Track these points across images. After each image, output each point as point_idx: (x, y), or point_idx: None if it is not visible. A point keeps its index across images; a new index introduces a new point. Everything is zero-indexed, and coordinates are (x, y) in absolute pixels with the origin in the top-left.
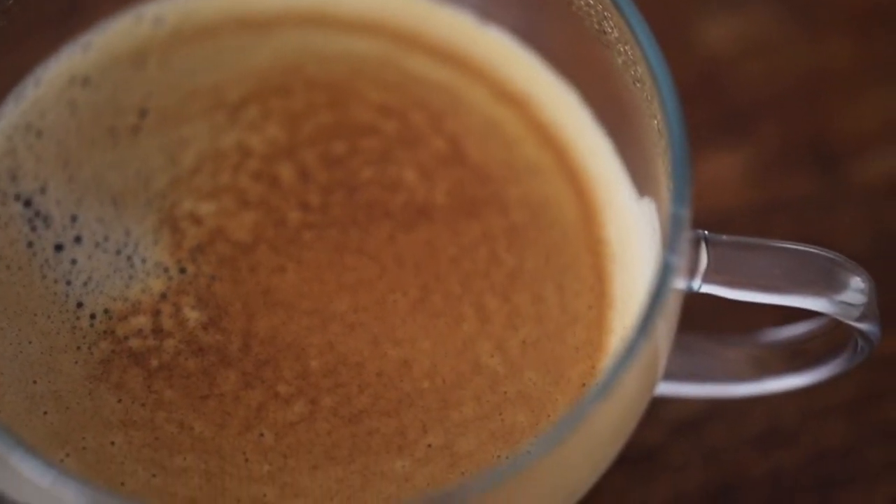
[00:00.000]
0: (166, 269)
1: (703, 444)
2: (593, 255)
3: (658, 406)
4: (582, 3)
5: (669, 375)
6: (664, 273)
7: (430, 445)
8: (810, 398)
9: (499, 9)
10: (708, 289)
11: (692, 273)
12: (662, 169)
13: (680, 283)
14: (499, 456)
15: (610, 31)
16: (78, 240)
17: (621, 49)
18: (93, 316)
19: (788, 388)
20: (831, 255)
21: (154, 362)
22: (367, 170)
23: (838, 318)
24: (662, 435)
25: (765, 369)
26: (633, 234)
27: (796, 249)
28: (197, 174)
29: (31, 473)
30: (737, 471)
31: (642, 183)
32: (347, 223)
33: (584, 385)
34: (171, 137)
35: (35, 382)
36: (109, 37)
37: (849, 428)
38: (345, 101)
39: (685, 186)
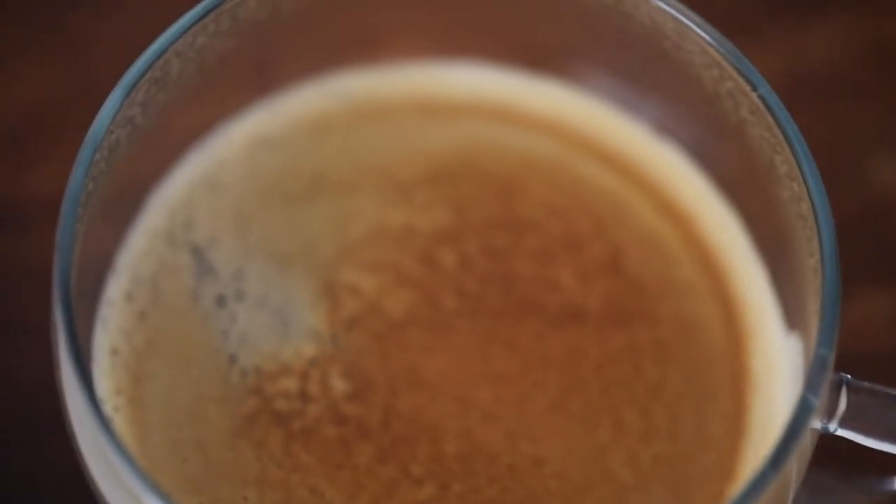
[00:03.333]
0: (320, 336)
1: None
2: (736, 381)
3: None
4: (756, 133)
5: None
6: (802, 412)
7: None
8: None
9: (675, 124)
10: (843, 433)
11: (830, 415)
12: (814, 307)
13: (816, 424)
14: None
15: (780, 165)
16: (240, 295)
17: (788, 184)
18: (244, 371)
19: None
20: None
21: (296, 425)
22: (527, 265)
23: None
24: None
25: None
26: (778, 368)
27: None
28: (362, 247)
29: None
30: None
31: (793, 318)
32: (499, 315)
33: None
34: (341, 208)
35: (180, 429)
36: (295, 105)
37: None
38: (513, 196)
39: (833, 329)
